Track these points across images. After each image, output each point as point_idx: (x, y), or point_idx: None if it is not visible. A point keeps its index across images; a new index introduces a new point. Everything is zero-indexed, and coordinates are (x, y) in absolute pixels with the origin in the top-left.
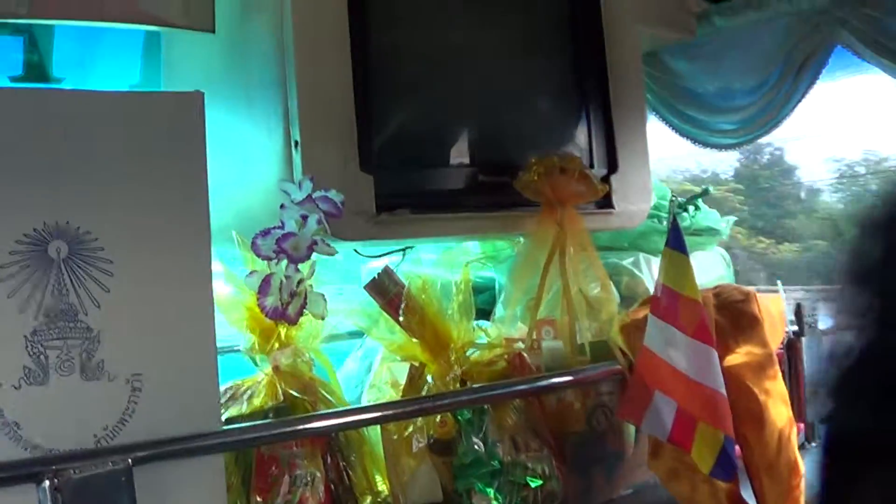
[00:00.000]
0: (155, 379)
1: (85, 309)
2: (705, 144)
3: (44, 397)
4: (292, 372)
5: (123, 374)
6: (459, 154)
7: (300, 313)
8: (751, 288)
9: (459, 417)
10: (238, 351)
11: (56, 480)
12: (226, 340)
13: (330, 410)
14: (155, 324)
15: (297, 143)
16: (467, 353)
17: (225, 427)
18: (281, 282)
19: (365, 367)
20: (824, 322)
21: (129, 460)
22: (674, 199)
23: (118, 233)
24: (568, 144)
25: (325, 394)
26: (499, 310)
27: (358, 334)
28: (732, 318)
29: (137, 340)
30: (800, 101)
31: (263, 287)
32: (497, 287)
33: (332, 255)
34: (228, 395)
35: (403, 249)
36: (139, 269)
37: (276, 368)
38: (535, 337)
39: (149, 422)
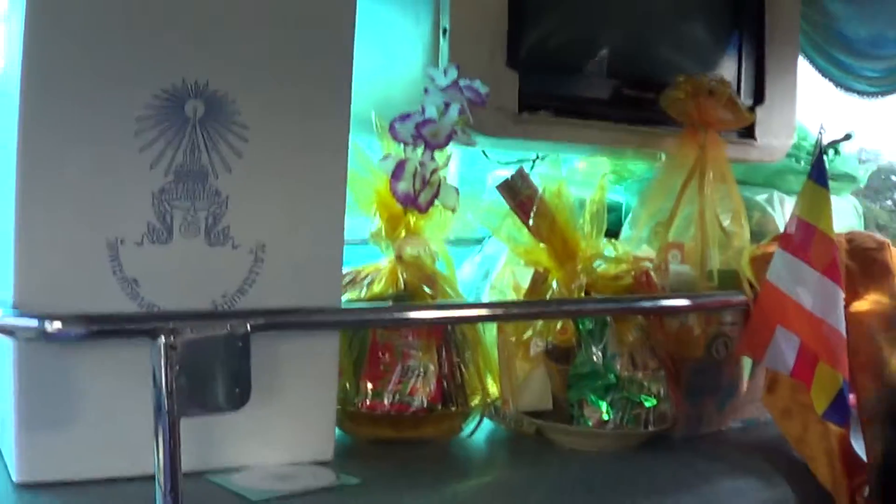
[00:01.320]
0: (279, 251)
1: (216, 172)
2: (848, 89)
3: (165, 257)
4: (415, 262)
5: (248, 242)
6: (608, 65)
7: (431, 203)
8: (885, 238)
9: (580, 327)
10: (363, 243)
11: (172, 338)
12: (351, 233)
13: (451, 302)
14: (285, 196)
15: (445, 30)
16: (594, 265)
17: (344, 306)
18: (415, 168)
19: (482, 273)
20: None
21: (248, 325)
22: (822, 131)
23: (257, 99)
24: (717, 69)
25: (447, 288)
26: (625, 231)
27: (477, 241)
28: (863, 264)
29: (265, 210)
30: None
31: (397, 171)
32: (624, 209)
33: (472, 145)
34: (349, 280)
35: (535, 159)
36: (274, 138)
37: (399, 257)
38: (663, 258)
39: (268, 293)
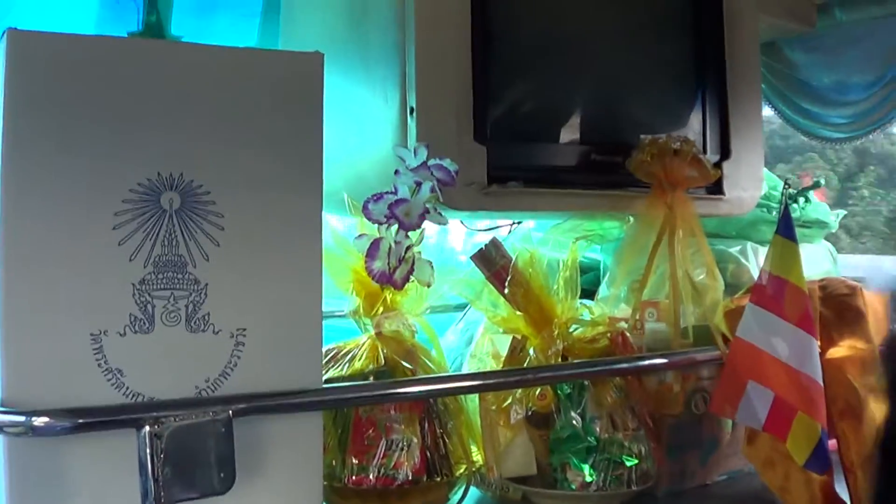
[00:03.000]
0: (259, 334)
1: (194, 261)
2: (816, 137)
3: (148, 346)
4: (395, 337)
5: (228, 327)
6: (573, 131)
7: (407, 279)
8: (857, 283)
9: (559, 392)
10: (340, 316)
11: (156, 427)
12: (328, 305)
13: (431, 376)
14: (262, 280)
15: (412, 109)
16: (570, 330)
17: (325, 385)
18: (390, 247)
19: (465, 339)
20: None
21: (230, 411)
22: (788, 184)
23: (230, 188)
24: (682, 128)
25: (427, 361)
26: (602, 290)
27: (460, 307)
28: (837, 311)
29: (244, 295)
30: None
31: (372, 250)
32: (602, 268)
33: (444, 224)
34: (329, 357)
35: (512, 224)
36: (249, 225)
37: (378, 333)
38: (638, 318)
39: (250, 376)
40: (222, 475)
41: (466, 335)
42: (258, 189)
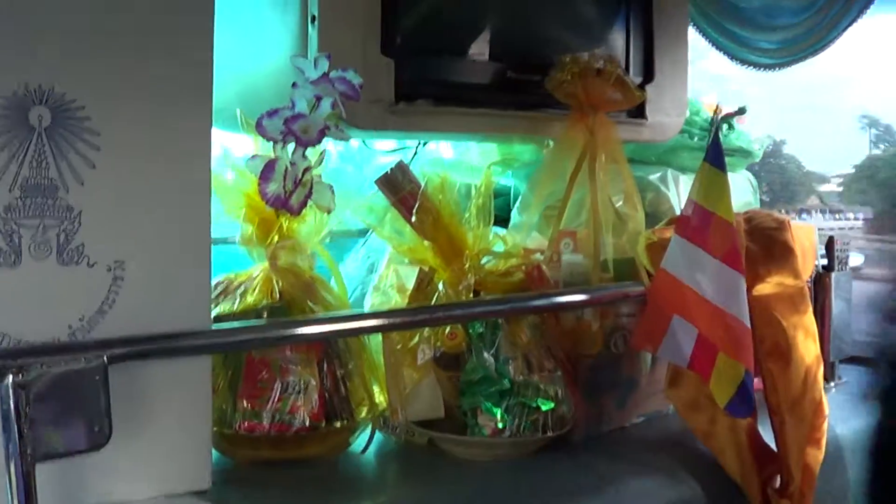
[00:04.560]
0: (140, 268)
1: (66, 185)
2: (743, 62)
3: (14, 281)
4: (291, 269)
5: (105, 260)
6: (488, 46)
7: (304, 204)
8: (785, 216)
9: (471, 330)
10: (232, 242)
11: (21, 376)
12: (218, 232)
13: (331, 314)
14: (144, 207)
15: (314, 17)
16: (482, 262)
17: (213, 326)
18: (286, 168)
19: (366, 267)
20: (855, 258)
21: (105, 357)
22: (718, 110)
23: (109, 102)
24: (604, 47)
25: (326, 295)
26: (514, 216)
27: (362, 232)
28: (764, 245)
29: (123, 224)
30: (848, 27)
31: (266, 172)
32: (513, 193)
33: (346, 140)
34: (219, 290)
35: (418, 146)
36: (130, 144)
37: (273, 264)
38: (556, 249)
39: (130, 315)
40: (97, 429)
41: (368, 263)
42: (140, 104)
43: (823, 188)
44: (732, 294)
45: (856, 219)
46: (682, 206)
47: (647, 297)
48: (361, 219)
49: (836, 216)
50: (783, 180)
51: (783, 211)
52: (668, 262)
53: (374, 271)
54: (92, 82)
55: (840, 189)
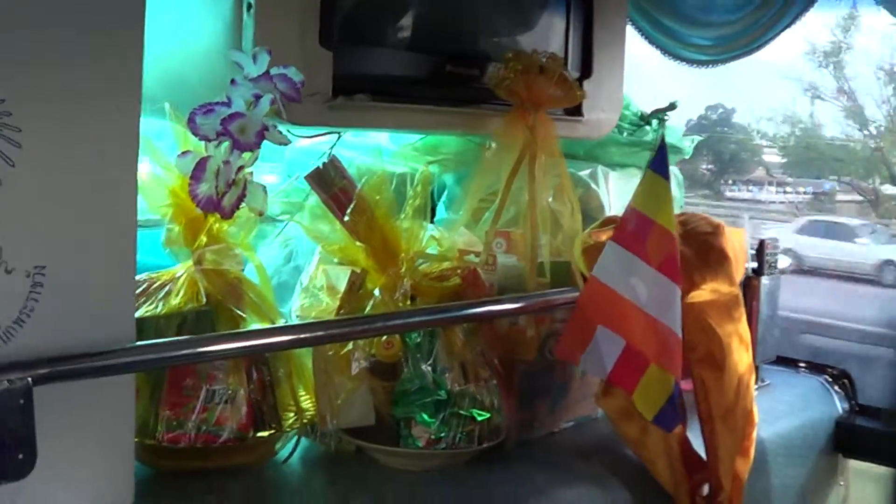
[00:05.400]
0: (61, 274)
1: None
2: (677, 58)
3: None
4: (217, 270)
5: (24, 265)
6: (427, 39)
7: (236, 206)
8: (720, 220)
9: (408, 340)
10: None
11: None
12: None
13: (263, 328)
14: (66, 209)
15: (250, 5)
16: (417, 264)
17: (138, 343)
18: (218, 168)
19: (283, 255)
20: (784, 261)
21: (29, 379)
22: (660, 117)
23: (31, 98)
24: (545, 41)
25: (254, 297)
26: (440, 211)
27: (275, 219)
28: (700, 251)
29: (44, 227)
30: (788, 26)
31: (197, 172)
32: (438, 186)
33: (285, 144)
34: (142, 289)
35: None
36: (53, 142)
37: (198, 264)
38: (490, 251)
39: (50, 324)
40: (21, 457)
41: (286, 251)
42: (65, 99)
43: (769, 159)
44: (666, 303)
45: (805, 193)
46: (612, 204)
47: (575, 306)
48: (283, 210)
49: (785, 189)
50: (732, 151)
51: (731, 182)
52: (600, 270)
53: (291, 260)
54: (13, 76)
55: (784, 160)
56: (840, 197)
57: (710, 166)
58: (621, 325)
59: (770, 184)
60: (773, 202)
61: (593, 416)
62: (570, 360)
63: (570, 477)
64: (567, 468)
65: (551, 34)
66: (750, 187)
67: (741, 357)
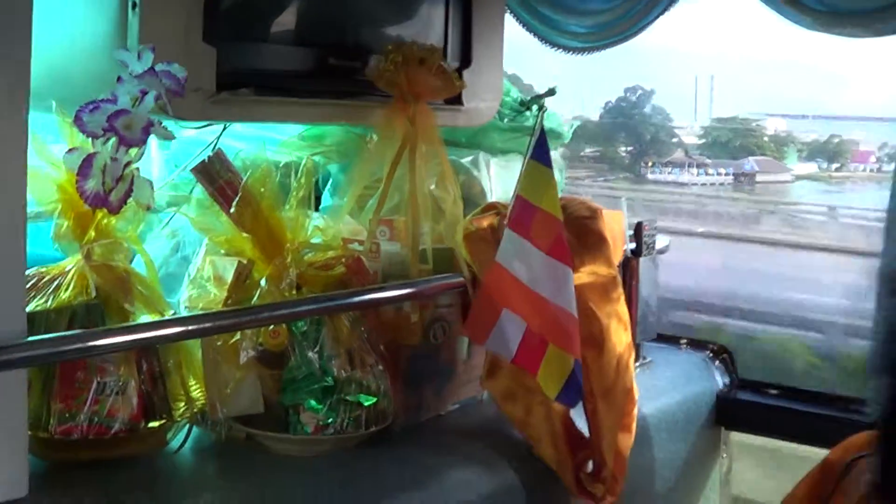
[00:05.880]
0: None
1: None
2: (554, 45)
3: None
4: (106, 264)
5: None
6: (309, 32)
7: (124, 201)
8: (598, 204)
9: (294, 328)
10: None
11: None
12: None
13: (153, 321)
14: None
15: (134, 4)
16: (302, 254)
17: (30, 339)
18: (105, 163)
19: (171, 245)
20: (661, 242)
21: None
22: (543, 107)
23: None
24: (424, 34)
25: (142, 290)
26: (325, 199)
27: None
28: (578, 235)
29: None
30: (661, 13)
31: (84, 168)
32: (322, 175)
33: (171, 139)
34: (31, 283)
35: (224, 126)
36: None
37: (88, 259)
38: (374, 239)
39: None
40: None
41: (173, 241)
42: None
43: (688, 140)
44: (559, 286)
45: (727, 174)
46: (493, 190)
47: (480, 289)
48: (169, 203)
49: (708, 171)
50: (651, 133)
51: (650, 164)
52: (502, 256)
53: (179, 251)
54: None
55: (702, 141)
56: (760, 178)
57: (629, 149)
58: (522, 308)
59: (691, 165)
60: (696, 184)
61: (479, 398)
62: (477, 341)
63: (456, 458)
64: (454, 450)
65: (431, 25)
66: (671, 170)
67: (620, 336)
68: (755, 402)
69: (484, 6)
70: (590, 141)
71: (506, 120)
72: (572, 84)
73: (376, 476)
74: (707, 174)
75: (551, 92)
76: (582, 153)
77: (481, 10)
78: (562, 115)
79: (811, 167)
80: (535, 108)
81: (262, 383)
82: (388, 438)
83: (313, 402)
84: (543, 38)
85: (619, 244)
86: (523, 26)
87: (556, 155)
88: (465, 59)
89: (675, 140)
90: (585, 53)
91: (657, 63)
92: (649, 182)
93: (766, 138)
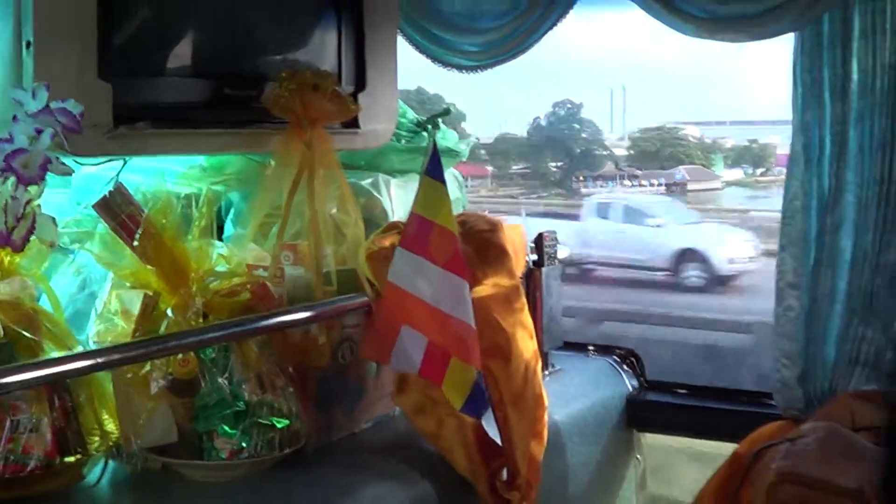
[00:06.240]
0: None
1: None
2: (446, 64)
3: None
4: (12, 303)
5: None
6: (203, 64)
7: (27, 239)
8: (498, 217)
9: (202, 356)
10: None
11: None
12: None
13: (65, 354)
14: None
15: (28, 43)
16: (207, 282)
17: None
18: (6, 203)
19: (77, 283)
20: (563, 251)
21: None
22: (435, 125)
23: None
24: (318, 58)
25: (50, 327)
26: (228, 227)
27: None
28: (479, 248)
29: None
30: (550, 28)
31: None
32: (225, 204)
33: (69, 174)
34: None
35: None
36: None
37: None
38: (278, 264)
39: None
40: None
41: (79, 279)
42: None
43: (618, 152)
44: (457, 299)
45: (660, 185)
46: (394, 210)
47: (376, 309)
48: (73, 240)
49: (641, 183)
50: (583, 147)
51: (582, 178)
52: (394, 275)
53: (86, 288)
54: None
55: (630, 153)
56: (691, 186)
57: (559, 163)
58: (421, 324)
59: (622, 177)
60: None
61: (391, 414)
62: (382, 361)
63: (370, 475)
64: (368, 467)
65: (325, 51)
66: (602, 183)
67: (526, 345)
68: (664, 402)
69: (376, 30)
70: (518, 158)
71: (403, 141)
72: (499, 103)
73: (289, 498)
74: (641, 185)
75: (446, 112)
76: (511, 170)
77: (374, 34)
78: (486, 134)
79: (738, 173)
80: (429, 127)
81: (175, 412)
82: (302, 460)
83: (226, 428)
84: (436, 59)
85: (521, 255)
86: (416, 48)
87: (455, 172)
88: (360, 83)
89: (606, 153)
90: (477, 71)
91: (576, 78)
92: (583, 197)
93: (692, 146)
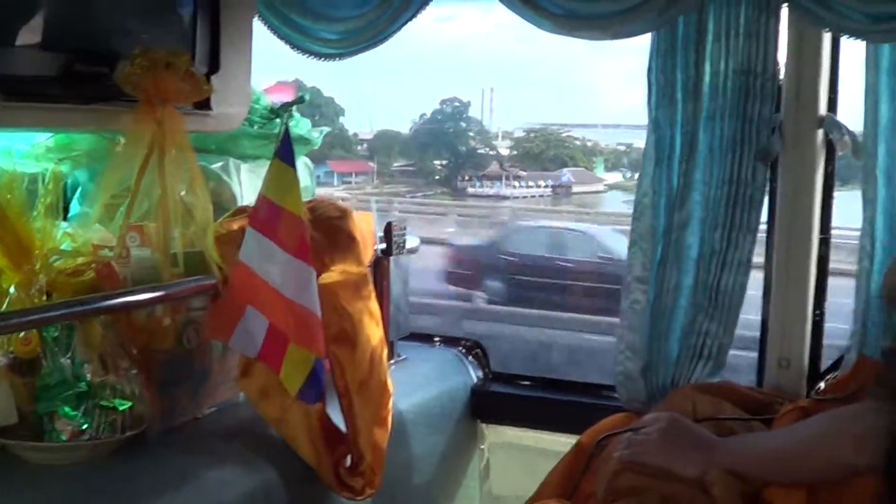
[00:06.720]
0: None
1: None
2: (305, 51)
3: None
4: None
5: None
6: (55, 37)
7: None
8: (347, 205)
9: (45, 335)
10: None
11: None
12: None
13: None
14: None
15: None
16: (51, 261)
17: None
18: None
19: None
20: (412, 241)
21: None
22: (288, 109)
23: None
24: (172, 38)
25: None
26: (74, 206)
27: None
28: (328, 234)
29: None
30: (410, 19)
31: None
32: (71, 183)
33: None
34: None
35: None
36: None
37: None
38: (125, 245)
39: None
40: None
41: None
42: None
43: (504, 152)
44: (302, 286)
45: (546, 186)
46: (244, 195)
47: (223, 291)
48: None
49: (528, 184)
50: (468, 146)
51: (468, 177)
52: (244, 254)
53: None
54: None
55: (513, 153)
56: (576, 189)
57: (444, 162)
58: (264, 306)
59: (508, 178)
60: (517, 197)
61: (236, 399)
62: (222, 340)
63: (214, 459)
64: (211, 451)
65: (179, 30)
66: (489, 183)
67: (372, 332)
68: (509, 393)
69: (233, 12)
70: (401, 155)
71: (256, 127)
72: (383, 99)
73: (132, 481)
74: (528, 187)
75: (300, 100)
76: (393, 167)
77: (230, 17)
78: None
79: (616, 176)
80: (285, 115)
81: (16, 392)
82: (145, 443)
83: (67, 409)
84: (295, 46)
85: (369, 244)
86: (274, 33)
87: (306, 160)
88: (214, 65)
89: (493, 153)
90: (335, 59)
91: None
92: (470, 196)
93: (575, 149)
